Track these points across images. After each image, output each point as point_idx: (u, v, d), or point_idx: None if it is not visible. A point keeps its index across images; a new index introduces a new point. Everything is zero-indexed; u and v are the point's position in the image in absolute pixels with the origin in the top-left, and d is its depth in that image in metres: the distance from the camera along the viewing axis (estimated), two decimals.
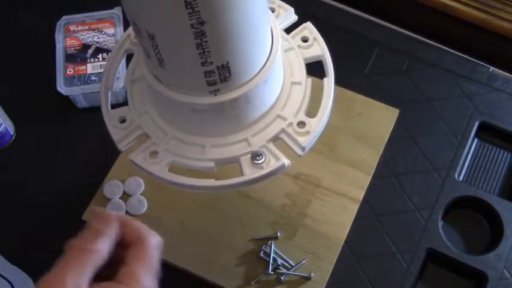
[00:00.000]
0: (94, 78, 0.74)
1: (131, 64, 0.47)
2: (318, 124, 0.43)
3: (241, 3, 0.35)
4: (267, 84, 0.41)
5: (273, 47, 0.41)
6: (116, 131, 0.45)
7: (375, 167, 0.70)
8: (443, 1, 0.79)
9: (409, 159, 0.71)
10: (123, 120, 0.46)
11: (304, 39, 0.47)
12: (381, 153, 0.71)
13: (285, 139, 0.43)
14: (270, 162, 0.42)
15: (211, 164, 0.43)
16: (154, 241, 0.42)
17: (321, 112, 0.44)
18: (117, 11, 0.79)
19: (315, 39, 0.47)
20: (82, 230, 0.42)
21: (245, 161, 0.42)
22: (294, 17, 0.48)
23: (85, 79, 0.74)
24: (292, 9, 0.48)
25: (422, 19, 0.84)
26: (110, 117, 0.46)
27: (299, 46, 0.47)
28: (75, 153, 0.74)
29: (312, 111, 0.45)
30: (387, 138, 0.71)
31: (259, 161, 0.42)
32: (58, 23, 0.78)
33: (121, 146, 0.45)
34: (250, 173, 0.42)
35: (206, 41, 0.35)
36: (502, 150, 0.72)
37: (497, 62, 0.78)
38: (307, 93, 0.44)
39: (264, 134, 0.43)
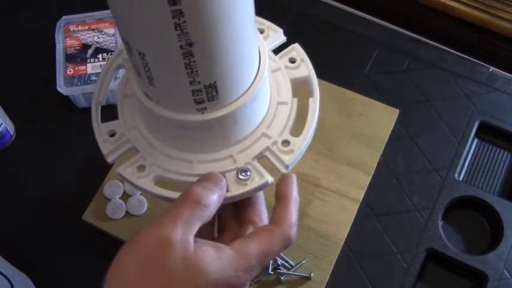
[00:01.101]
0: (94, 78, 0.74)
1: (122, 79, 0.48)
2: (302, 143, 0.45)
3: (229, 26, 0.36)
4: (253, 103, 0.42)
5: (260, 68, 0.42)
6: (105, 145, 0.46)
7: (374, 167, 0.70)
8: (443, 1, 0.79)
9: (409, 159, 0.71)
10: (112, 134, 0.46)
11: (292, 60, 0.48)
12: (381, 153, 0.71)
13: (269, 157, 0.44)
14: (254, 179, 0.43)
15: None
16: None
17: (305, 131, 0.45)
18: None
19: (302, 60, 0.48)
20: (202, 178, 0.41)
21: (230, 177, 0.43)
22: (282, 38, 0.48)
23: (85, 79, 0.74)
24: (281, 31, 0.48)
25: (422, 19, 0.84)
26: (101, 132, 0.47)
27: (286, 67, 0.48)
28: (75, 153, 0.74)
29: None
30: (387, 138, 0.71)
31: (244, 178, 0.43)
32: (58, 23, 0.78)
33: (110, 160, 0.46)
34: (234, 189, 0.43)
35: (194, 61, 0.36)
36: (502, 150, 0.72)
37: (497, 62, 0.79)
38: (292, 112, 0.45)
39: (250, 151, 0.44)
